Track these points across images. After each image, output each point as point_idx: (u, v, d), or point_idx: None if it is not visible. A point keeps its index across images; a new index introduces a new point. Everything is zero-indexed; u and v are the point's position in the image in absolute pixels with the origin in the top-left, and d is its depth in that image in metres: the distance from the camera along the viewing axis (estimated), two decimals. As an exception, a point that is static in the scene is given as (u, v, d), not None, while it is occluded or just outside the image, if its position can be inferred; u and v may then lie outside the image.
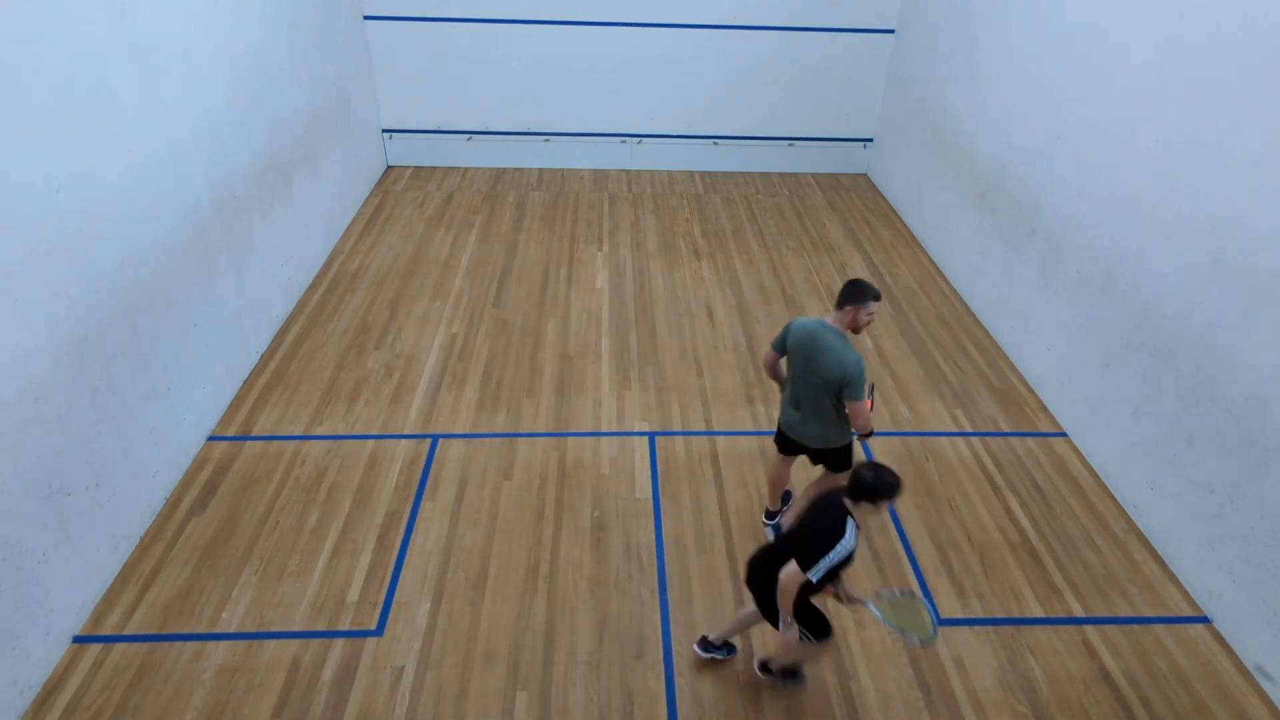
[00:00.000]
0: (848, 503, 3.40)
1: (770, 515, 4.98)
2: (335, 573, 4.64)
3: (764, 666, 4.08)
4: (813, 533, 3.42)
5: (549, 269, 7.93)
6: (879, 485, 3.32)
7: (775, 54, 9.75)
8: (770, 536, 4.84)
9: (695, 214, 9.27)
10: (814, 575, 3.33)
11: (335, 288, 7.44)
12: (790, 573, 3.40)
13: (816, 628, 3.67)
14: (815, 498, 3.62)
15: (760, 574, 3.70)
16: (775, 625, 3.65)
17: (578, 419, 5.92)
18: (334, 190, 8.21)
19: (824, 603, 3.96)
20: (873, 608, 3.54)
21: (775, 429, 4.71)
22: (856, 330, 4.21)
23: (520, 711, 3.97)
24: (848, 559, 3.34)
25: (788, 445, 4.60)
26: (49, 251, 4.00)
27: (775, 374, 4.57)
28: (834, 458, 4.52)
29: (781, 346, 4.37)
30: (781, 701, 4.05)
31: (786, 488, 5.06)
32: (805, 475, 5.08)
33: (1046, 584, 4.75)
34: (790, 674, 4.06)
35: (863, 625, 4.45)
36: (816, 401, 4.26)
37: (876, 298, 4.14)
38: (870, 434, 4.27)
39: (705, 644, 4.17)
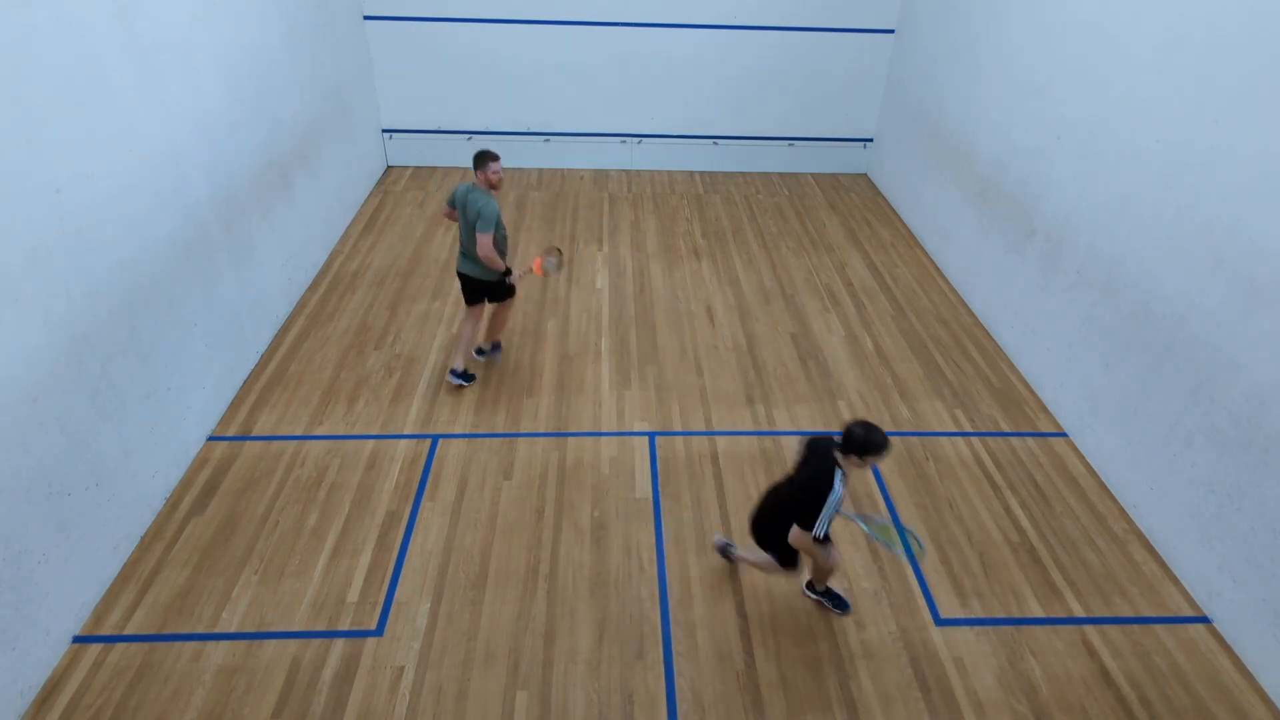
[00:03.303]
0: (837, 455, 3.76)
1: (480, 351, 6.50)
2: (335, 573, 4.64)
3: (810, 586, 4.56)
4: (810, 493, 3.78)
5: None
6: (868, 443, 3.66)
7: (775, 54, 9.75)
8: (478, 359, 6.36)
9: (695, 214, 9.27)
10: (819, 530, 3.77)
11: (335, 288, 7.44)
12: (799, 535, 3.87)
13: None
14: (809, 445, 3.99)
15: (765, 528, 4.18)
16: (782, 565, 4.22)
17: (578, 419, 5.92)
18: (334, 190, 8.21)
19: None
20: (860, 523, 3.97)
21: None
22: (494, 187, 5.57)
23: (520, 711, 3.97)
24: (839, 505, 3.77)
25: (464, 286, 6.04)
26: (49, 251, 4.00)
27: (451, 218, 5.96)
28: (491, 290, 6.01)
29: (451, 203, 5.81)
30: (781, 701, 4.05)
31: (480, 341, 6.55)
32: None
33: (1046, 584, 4.75)
34: (834, 597, 4.51)
35: (862, 625, 4.46)
36: (469, 243, 5.72)
37: (495, 157, 5.52)
38: (505, 272, 5.79)
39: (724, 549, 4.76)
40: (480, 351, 6.47)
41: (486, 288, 5.94)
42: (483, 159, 5.53)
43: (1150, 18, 5.20)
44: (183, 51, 5.27)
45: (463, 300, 6.25)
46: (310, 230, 7.53)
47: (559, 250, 6.04)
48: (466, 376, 6.15)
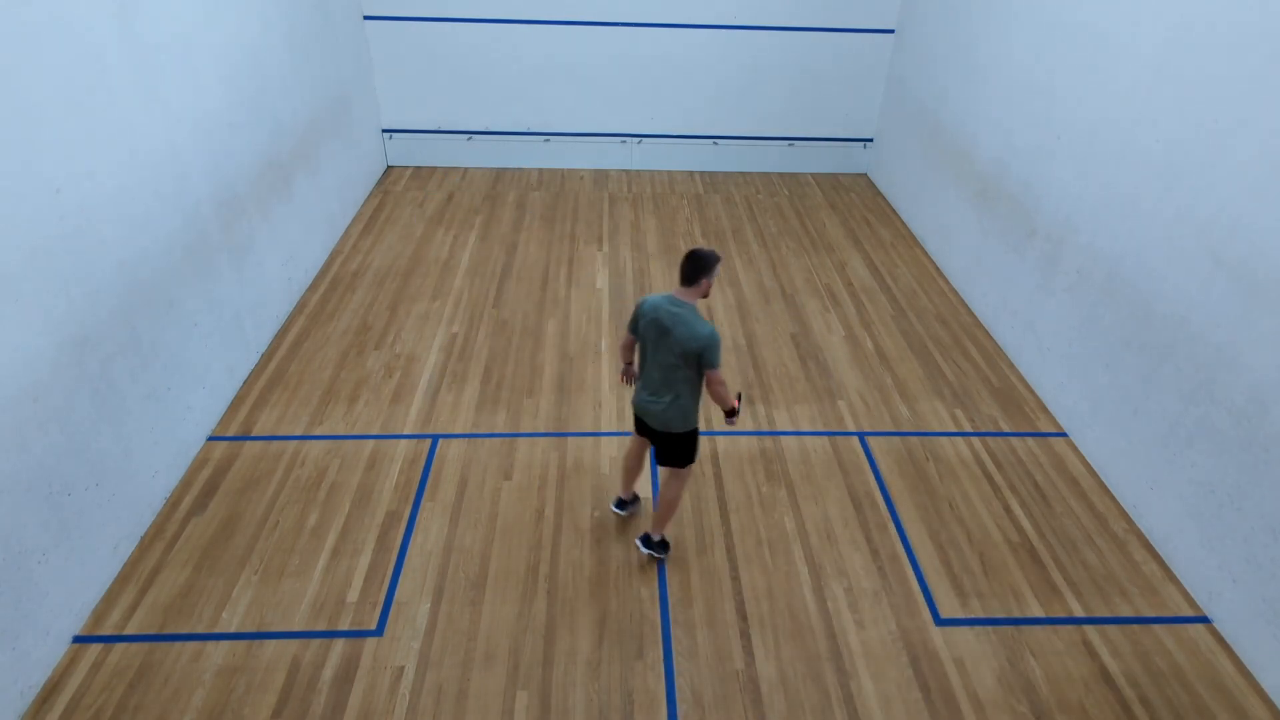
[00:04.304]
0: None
1: (621, 504, 5.05)
2: (335, 573, 4.64)
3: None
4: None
5: (549, 269, 7.93)
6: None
7: (775, 54, 9.75)
8: (619, 512, 5.09)
9: (695, 214, 9.27)
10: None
11: (335, 288, 7.44)
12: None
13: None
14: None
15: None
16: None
17: (578, 419, 5.92)
18: (334, 190, 8.21)
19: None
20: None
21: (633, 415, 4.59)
22: (705, 296, 4.14)
23: (520, 711, 3.97)
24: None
25: (641, 427, 4.53)
26: (49, 251, 4.00)
27: (630, 358, 4.57)
28: (677, 447, 4.40)
29: (634, 328, 4.27)
30: (781, 701, 4.05)
31: (637, 480, 5.10)
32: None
33: (1046, 584, 4.75)
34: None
35: (862, 625, 4.46)
36: (667, 377, 4.17)
37: (719, 258, 4.06)
38: (733, 413, 4.19)
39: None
40: (622, 504, 5.04)
41: (675, 443, 4.39)
42: (707, 263, 3.95)
43: (1150, 17, 5.20)
44: (183, 51, 5.27)
45: (631, 446, 4.78)
46: (310, 230, 7.53)
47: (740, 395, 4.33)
48: (663, 547, 4.75)
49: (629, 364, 4.60)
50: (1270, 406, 4.19)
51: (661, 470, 4.66)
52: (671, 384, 4.18)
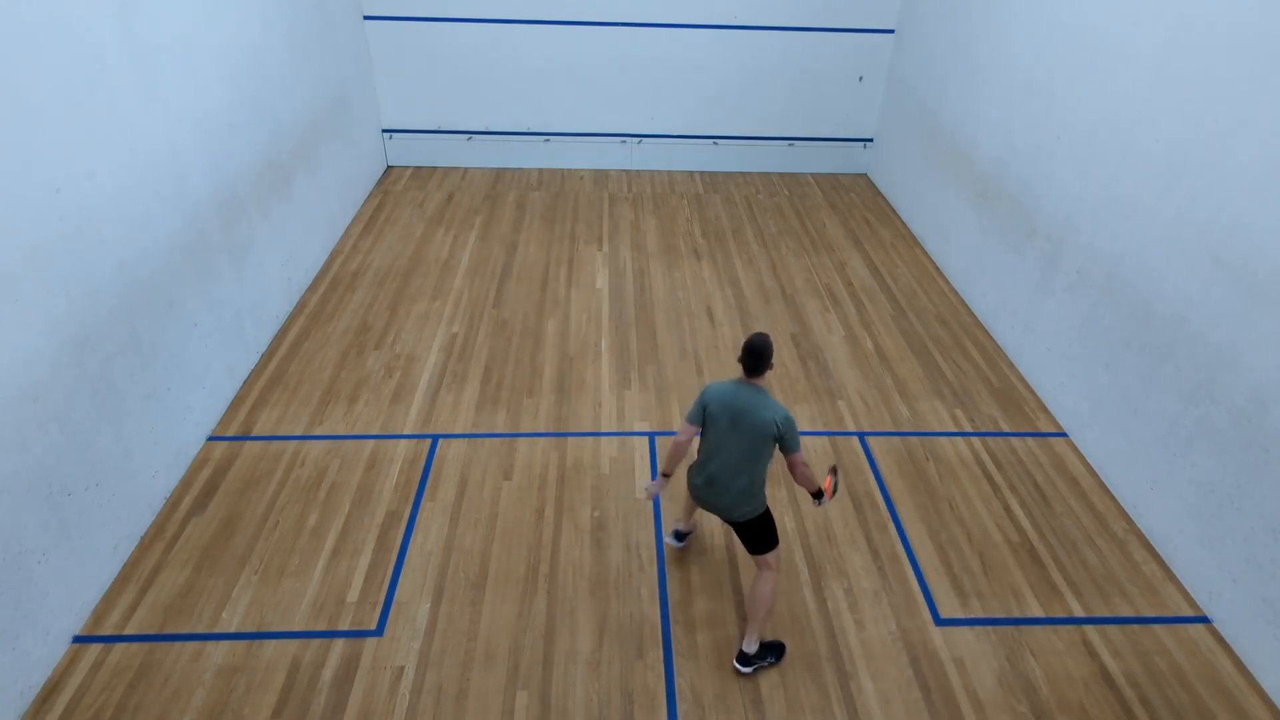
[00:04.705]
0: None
1: (679, 536, 4.80)
2: (335, 573, 4.64)
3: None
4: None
5: (549, 269, 7.93)
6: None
7: (775, 54, 9.75)
8: (677, 545, 4.80)
9: (695, 214, 9.27)
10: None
11: (335, 288, 7.44)
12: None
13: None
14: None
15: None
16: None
17: (578, 419, 5.92)
18: (334, 190, 8.21)
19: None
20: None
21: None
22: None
23: (520, 711, 3.97)
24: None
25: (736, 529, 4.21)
26: (49, 251, 4.00)
27: (680, 458, 4.13)
28: (755, 531, 4.12)
29: (700, 417, 4.03)
30: (781, 701, 4.05)
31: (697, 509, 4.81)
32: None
33: (1046, 584, 4.75)
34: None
35: (862, 625, 4.46)
36: (740, 465, 3.97)
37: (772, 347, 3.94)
38: (820, 494, 4.09)
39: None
40: (680, 536, 4.83)
41: (754, 529, 4.12)
42: (768, 353, 3.86)
43: (1151, 17, 5.20)
44: (183, 51, 5.27)
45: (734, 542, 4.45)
46: (310, 230, 7.53)
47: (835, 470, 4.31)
48: (772, 651, 4.24)
49: (668, 474, 4.20)
50: (1270, 406, 4.19)
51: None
52: (744, 469, 3.97)
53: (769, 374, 4.08)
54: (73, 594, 4.22)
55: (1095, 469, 5.61)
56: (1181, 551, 4.82)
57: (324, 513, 5.04)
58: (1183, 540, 4.80)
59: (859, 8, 9.54)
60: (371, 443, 5.62)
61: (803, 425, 5.92)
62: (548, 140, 10.18)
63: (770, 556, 4.13)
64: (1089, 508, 5.31)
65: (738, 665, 4.13)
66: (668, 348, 6.77)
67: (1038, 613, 4.57)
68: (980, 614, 4.56)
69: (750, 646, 4.12)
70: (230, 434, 5.64)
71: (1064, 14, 6.17)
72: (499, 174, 10.11)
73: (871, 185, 10.27)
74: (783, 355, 6.73)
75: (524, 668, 4.16)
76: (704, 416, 4.01)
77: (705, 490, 4.11)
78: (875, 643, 4.37)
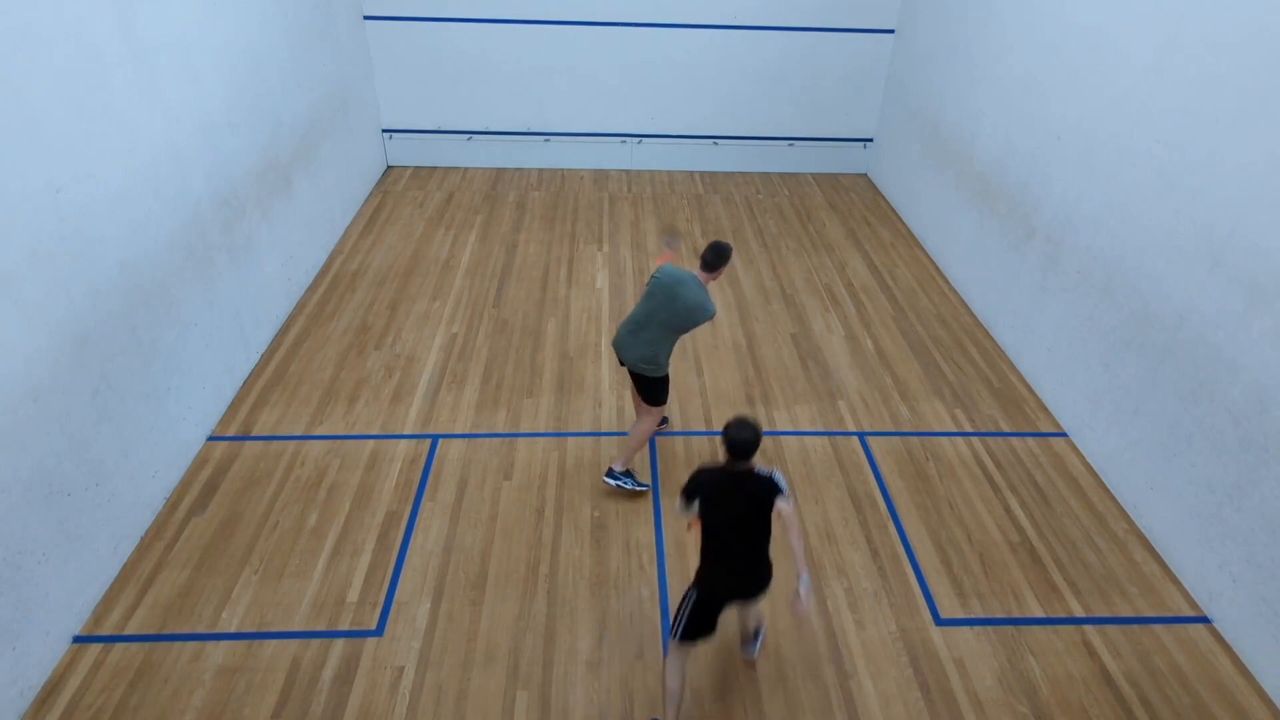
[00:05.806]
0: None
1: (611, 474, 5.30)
2: (335, 573, 4.64)
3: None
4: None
5: (549, 269, 7.93)
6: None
7: (775, 54, 9.75)
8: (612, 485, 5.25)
9: (695, 214, 9.27)
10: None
11: (335, 288, 7.44)
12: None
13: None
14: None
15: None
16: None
17: (578, 419, 5.92)
18: (334, 190, 8.21)
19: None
20: None
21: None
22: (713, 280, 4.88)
23: (520, 711, 3.97)
24: None
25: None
26: (49, 252, 4.00)
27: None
28: (647, 386, 5.03)
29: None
30: (781, 701, 4.05)
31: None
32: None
33: (1046, 584, 4.75)
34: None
35: (862, 625, 4.45)
36: (656, 330, 4.86)
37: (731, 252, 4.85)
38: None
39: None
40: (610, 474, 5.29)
41: (648, 384, 4.99)
42: (726, 255, 4.78)
43: (1149, 19, 5.20)
44: (183, 52, 5.27)
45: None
46: (310, 230, 7.53)
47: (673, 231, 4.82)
48: (627, 478, 5.17)
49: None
50: (1270, 406, 4.19)
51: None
52: (655, 338, 4.86)
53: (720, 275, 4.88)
54: (73, 594, 4.22)
55: (1095, 469, 5.61)
56: (1181, 551, 4.82)
57: (324, 513, 5.04)
58: (1183, 540, 4.80)
59: (859, 8, 9.53)
60: (371, 443, 5.62)
61: (803, 425, 5.93)
62: (548, 140, 10.18)
63: (655, 409, 5.09)
64: (1089, 508, 5.31)
65: (605, 478, 5.16)
66: (668, 348, 6.76)
67: (1038, 613, 4.58)
68: (980, 614, 4.56)
69: (618, 466, 5.15)
70: (230, 434, 5.64)
71: (1063, 14, 6.17)
72: (499, 174, 10.11)
73: (871, 185, 10.27)
74: (782, 355, 6.73)
75: (524, 668, 4.16)
76: (650, 286, 4.90)
77: (621, 340, 5.00)
78: (875, 643, 4.37)
